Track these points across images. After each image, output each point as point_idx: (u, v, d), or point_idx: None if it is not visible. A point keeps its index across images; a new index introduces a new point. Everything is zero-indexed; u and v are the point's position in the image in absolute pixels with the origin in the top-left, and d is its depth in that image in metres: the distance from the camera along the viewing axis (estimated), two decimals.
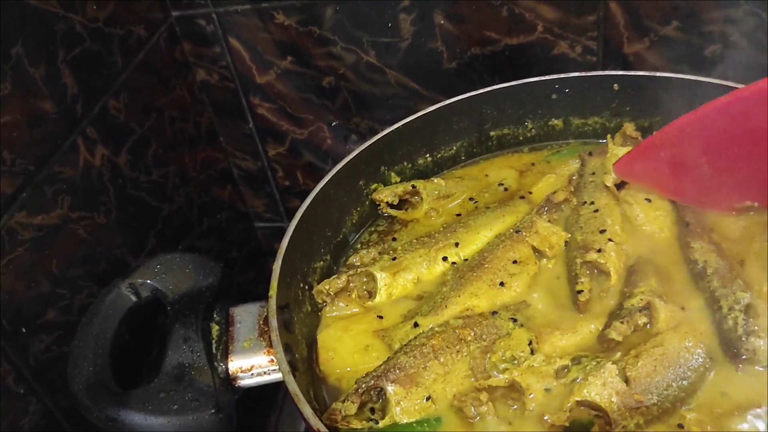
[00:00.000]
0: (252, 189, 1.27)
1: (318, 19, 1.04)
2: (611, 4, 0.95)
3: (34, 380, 0.77)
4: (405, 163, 0.96)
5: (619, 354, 0.67)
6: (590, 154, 0.91)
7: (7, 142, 0.75)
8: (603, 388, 0.64)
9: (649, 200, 0.82)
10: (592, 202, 0.84)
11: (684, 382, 0.65)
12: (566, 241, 0.81)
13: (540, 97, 0.95)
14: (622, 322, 0.70)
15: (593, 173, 0.88)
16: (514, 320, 0.73)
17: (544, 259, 0.81)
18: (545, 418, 0.65)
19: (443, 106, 0.94)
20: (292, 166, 1.22)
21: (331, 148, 1.18)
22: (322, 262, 0.86)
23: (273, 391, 1.23)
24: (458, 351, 0.70)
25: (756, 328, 0.66)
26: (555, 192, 0.87)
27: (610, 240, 0.78)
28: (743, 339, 0.66)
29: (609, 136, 0.89)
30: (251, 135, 1.19)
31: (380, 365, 0.71)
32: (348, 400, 0.67)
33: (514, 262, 0.80)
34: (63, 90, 0.83)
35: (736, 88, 0.84)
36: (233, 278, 1.13)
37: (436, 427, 0.66)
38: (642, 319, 0.71)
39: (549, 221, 0.84)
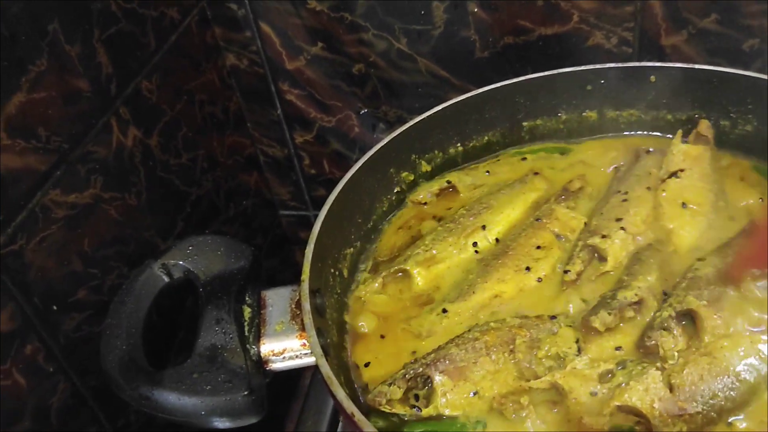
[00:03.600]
0: (278, 176, 1.26)
1: (350, 5, 1.03)
2: None
3: (64, 359, 0.77)
4: (436, 152, 0.95)
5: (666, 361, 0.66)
6: (648, 151, 0.89)
7: (43, 119, 0.75)
8: (645, 393, 0.63)
9: (684, 205, 0.81)
10: (626, 192, 0.83)
11: (732, 393, 0.64)
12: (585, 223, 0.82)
13: (574, 87, 0.94)
14: (609, 313, 0.70)
15: (646, 171, 0.86)
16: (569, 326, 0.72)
17: (568, 243, 0.80)
18: (584, 421, 0.64)
19: (476, 94, 0.93)
20: (318, 154, 1.21)
21: (358, 137, 1.17)
22: (352, 249, 0.86)
23: (295, 379, 1.23)
24: (511, 350, 0.69)
25: None
26: (571, 180, 0.89)
27: (621, 228, 0.78)
28: None
29: (680, 132, 0.87)
30: (279, 121, 1.18)
31: (430, 353, 0.70)
32: (394, 384, 0.67)
33: (538, 247, 0.80)
34: (98, 69, 0.83)
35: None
36: (263, 264, 1.12)
37: (478, 428, 0.65)
38: (631, 314, 0.70)
39: (567, 208, 0.84)
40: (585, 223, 0.82)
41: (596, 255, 0.78)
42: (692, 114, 0.91)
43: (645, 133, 0.95)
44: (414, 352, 0.73)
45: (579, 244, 0.78)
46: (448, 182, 0.93)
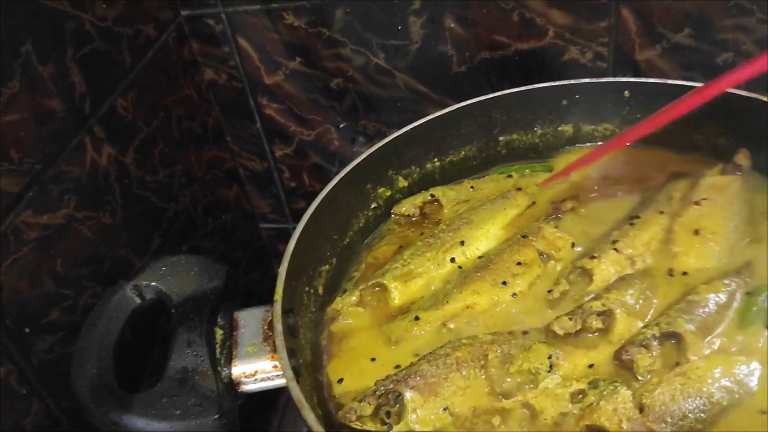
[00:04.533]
0: (258, 189, 1.26)
1: (327, 20, 1.03)
2: (623, 10, 0.95)
3: (37, 381, 0.77)
4: (413, 167, 0.95)
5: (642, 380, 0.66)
6: (678, 175, 0.88)
7: (15, 141, 0.75)
8: (614, 413, 0.63)
9: (697, 232, 0.79)
10: (638, 216, 0.83)
11: (702, 415, 0.64)
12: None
13: (550, 102, 0.95)
14: (570, 318, 0.70)
15: (669, 196, 0.85)
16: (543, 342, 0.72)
17: (552, 261, 0.80)
18: None
19: (453, 110, 0.93)
20: (298, 168, 1.21)
21: (338, 150, 1.17)
22: (328, 266, 0.86)
23: (274, 393, 1.23)
24: (482, 366, 0.69)
25: None
26: (563, 201, 0.88)
27: (614, 249, 0.78)
28: None
29: (720, 166, 0.85)
30: (258, 135, 1.18)
31: (402, 370, 0.70)
32: (364, 401, 0.67)
33: (519, 263, 0.80)
34: (71, 89, 0.83)
35: (748, 96, 0.84)
36: (238, 280, 1.13)
37: None
38: (597, 324, 0.70)
39: (555, 227, 0.84)
40: (573, 245, 0.81)
41: (587, 276, 0.77)
42: (665, 128, 0.91)
43: None
44: (373, 359, 0.74)
45: (569, 266, 0.78)
46: (432, 195, 0.93)
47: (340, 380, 0.74)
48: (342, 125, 1.14)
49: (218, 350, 0.69)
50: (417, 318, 0.77)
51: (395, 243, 0.90)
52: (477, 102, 0.93)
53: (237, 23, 1.06)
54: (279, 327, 0.69)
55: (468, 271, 0.81)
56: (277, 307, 0.71)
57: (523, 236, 0.82)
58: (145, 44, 0.98)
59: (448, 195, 0.93)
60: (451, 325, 0.76)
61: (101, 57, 0.89)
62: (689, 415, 0.64)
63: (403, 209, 0.93)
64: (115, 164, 0.91)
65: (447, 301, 0.77)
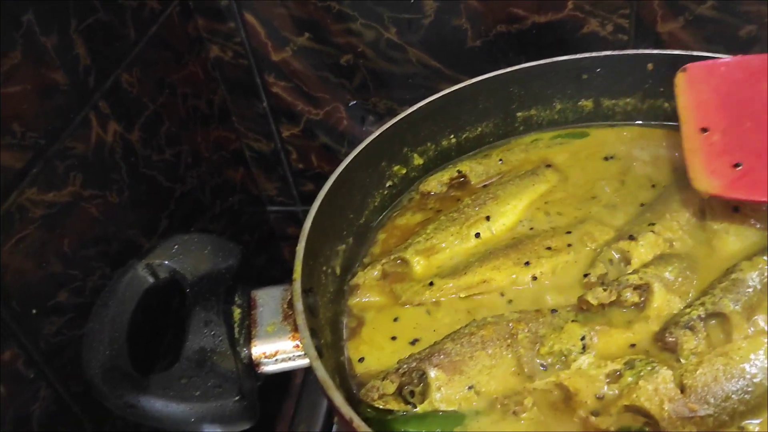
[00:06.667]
0: (264, 171, 1.23)
1: None
2: None
3: (45, 364, 0.74)
4: (429, 144, 0.92)
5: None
6: None
7: (17, 114, 0.71)
8: (655, 393, 0.60)
9: (737, 209, 0.76)
10: (672, 194, 0.80)
11: (746, 396, 0.61)
12: None
13: (569, 76, 0.92)
14: (604, 289, 0.68)
15: None
16: (574, 321, 0.69)
17: (585, 248, 0.77)
18: (590, 420, 0.61)
19: (469, 84, 0.90)
20: (306, 148, 1.18)
21: (347, 130, 1.14)
22: (344, 246, 0.83)
23: (287, 376, 1.20)
24: (509, 345, 0.67)
25: None
26: None
27: (651, 231, 0.75)
28: None
29: None
30: (265, 115, 1.15)
31: (425, 348, 0.68)
32: (387, 379, 0.65)
33: (548, 248, 0.77)
34: (75, 61, 0.79)
35: None
36: (251, 261, 1.10)
37: (456, 423, 0.63)
38: (632, 297, 0.68)
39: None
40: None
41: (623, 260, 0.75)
42: None
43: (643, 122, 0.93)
44: (394, 338, 0.72)
45: (604, 249, 0.75)
46: (459, 172, 0.90)
47: (361, 359, 0.72)
48: (352, 103, 1.11)
49: (236, 330, 0.67)
50: (431, 284, 0.75)
51: (419, 217, 0.87)
52: (494, 76, 0.91)
53: None
54: (299, 306, 0.66)
55: (494, 248, 0.79)
56: (297, 285, 0.68)
57: (567, 232, 0.79)
58: (149, 18, 0.94)
59: (476, 170, 0.91)
60: (461, 295, 0.74)
61: (105, 29, 0.85)
62: (732, 396, 0.61)
63: (430, 187, 0.90)
64: (121, 141, 0.88)
65: (465, 273, 0.76)
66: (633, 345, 0.67)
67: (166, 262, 0.72)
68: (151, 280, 0.72)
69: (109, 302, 0.69)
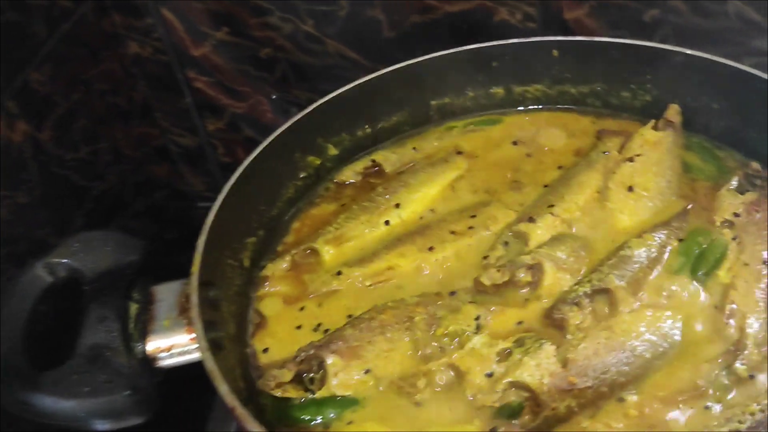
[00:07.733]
0: (191, 166, 1.23)
1: None
2: None
3: None
4: (343, 135, 0.92)
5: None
6: (610, 133, 0.87)
7: None
8: (536, 368, 0.62)
9: (631, 189, 0.79)
10: (572, 177, 0.82)
11: (625, 368, 0.63)
12: None
13: (480, 64, 0.93)
14: (498, 270, 0.70)
15: (602, 153, 0.84)
16: (472, 302, 0.71)
17: (487, 231, 0.79)
18: (477, 397, 0.63)
19: (380, 75, 0.91)
20: (232, 142, 1.18)
21: (271, 123, 1.14)
22: (254, 238, 0.83)
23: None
24: (407, 328, 0.68)
25: None
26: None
27: (551, 214, 0.76)
28: None
29: (653, 121, 0.84)
30: (188, 110, 1.15)
31: (324, 336, 0.69)
32: (284, 367, 0.65)
33: (452, 232, 0.78)
34: None
35: (675, 52, 0.83)
36: (162, 257, 1.09)
37: (350, 407, 0.64)
38: (526, 277, 0.70)
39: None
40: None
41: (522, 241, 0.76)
42: (594, 87, 0.91)
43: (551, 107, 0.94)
44: (299, 327, 0.73)
45: (504, 231, 0.77)
46: (373, 161, 0.91)
47: (266, 350, 0.72)
48: (274, 96, 1.11)
49: (132, 325, 0.67)
50: (339, 273, 0.76)
51: (334, 207, 0.88)
52: (405, 66, 0.91)
53: None
54: (195, 299, 0.67)
55: (401, 234, 0.80)
56: (194, 279, 0.69)
57: (472, 216, 0.80)
58: (60, 16, 0.94)
59: (390, 159, 0.91)
60: (367, 282, 0.75)
61: (12, 29, 0.85)
62: (611, 368, 0.63)
63: (344, 177, 0.91)
64: (31, 141, 0.87)
65: (372, 260, 0.76)
66: (520, 322, 0.68)
67: (65, 261, 0.72)
68: (49, 279, 0.72)
69: (6, 303, 0.69)
